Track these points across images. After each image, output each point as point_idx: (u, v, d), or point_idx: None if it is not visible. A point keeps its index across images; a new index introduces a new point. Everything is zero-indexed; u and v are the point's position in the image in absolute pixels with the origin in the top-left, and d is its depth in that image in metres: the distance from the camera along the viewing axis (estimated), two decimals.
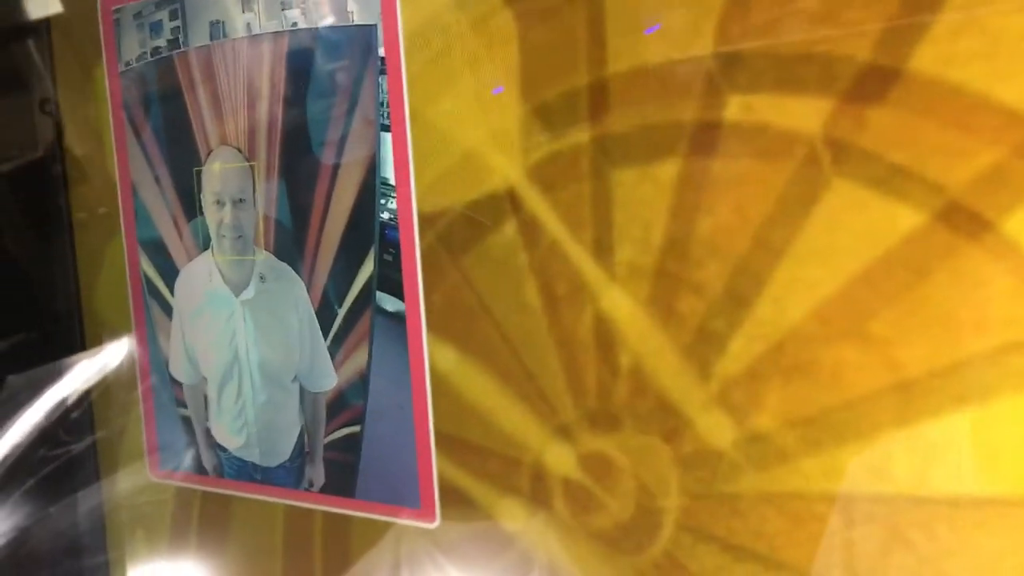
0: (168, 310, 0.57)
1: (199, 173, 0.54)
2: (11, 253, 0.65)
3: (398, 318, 0.47)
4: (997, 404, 0.32)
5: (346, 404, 0.49)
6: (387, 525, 0.49)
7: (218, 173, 0.53)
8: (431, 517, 0.47)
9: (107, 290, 0.62)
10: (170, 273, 0.57)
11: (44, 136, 0.63)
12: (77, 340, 0.64)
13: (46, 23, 0.63)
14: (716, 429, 0.38)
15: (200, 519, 0.59)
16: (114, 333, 0.62)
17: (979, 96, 0.31)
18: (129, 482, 0.63)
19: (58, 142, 0.63)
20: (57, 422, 0.63)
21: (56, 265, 0.64)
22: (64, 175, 0.63)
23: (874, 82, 0.33)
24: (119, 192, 0.59)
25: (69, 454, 0.64)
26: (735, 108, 0.36)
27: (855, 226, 0.34)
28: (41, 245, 0.65)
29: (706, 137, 0.37)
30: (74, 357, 0.64)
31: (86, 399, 0.64)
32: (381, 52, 0.45)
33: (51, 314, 0.64)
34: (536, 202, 0.41)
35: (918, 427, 0.34)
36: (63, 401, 0.63)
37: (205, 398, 0.56)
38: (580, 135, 0.40)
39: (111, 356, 0.63)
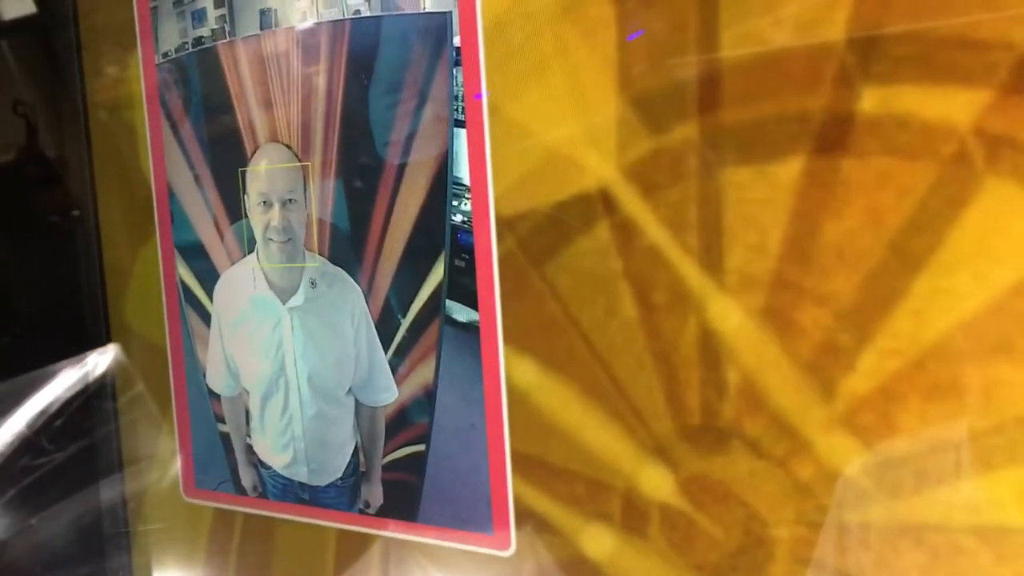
0: (207, 318, 0.54)
1: (243, 173, 0.50)
2: (17, 259, 0.61)
3: (471, 329, 0.43)
4: None
5: (409, 421, 0.46)
6: (454, 551, 0.45)
7: (264, 172, 0.49)
8: (505, 544, 0.43)
9: (138, 297, 0.58)
10: (210, 279, 0.53)
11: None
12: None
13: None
14: (840, 452, 0.35)
15: (241, 541, 0.55)
16: (145, 342, 0.58)
17: None
18: (161, 502, 0.59)
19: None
20: (58, 429, 0.59)
21: (81, 271, 0.60)
22: (92, 175, 0.60)
23: None
24: (154, 193, 0.55)
25: (94, 476, 0.60)
26: (871, 100, 0.33)
27: (1013, 231, 0.31)
28: (49, 250, 0.61)
29: (835, 132, 0.33)
30: (104, 366, 0.60)
31: (113, 409, 0.60)
32: (456, 42, 0.42)
33: (75, 321, 0.61)
34: (634, 203, 0.38)
35: None
36: (84, 408, 0.59)
37: (247, 412, 0.53)
38: (687, 130, 0.36)
39: (140, 366, 0.59)
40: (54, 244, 0.61)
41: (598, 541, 0.41)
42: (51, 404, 0.59)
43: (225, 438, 0.54)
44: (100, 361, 0.60)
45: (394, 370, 0.46)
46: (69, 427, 0.59)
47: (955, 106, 0.31)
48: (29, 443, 0.58)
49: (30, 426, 0.58)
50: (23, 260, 0.61)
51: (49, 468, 0.59)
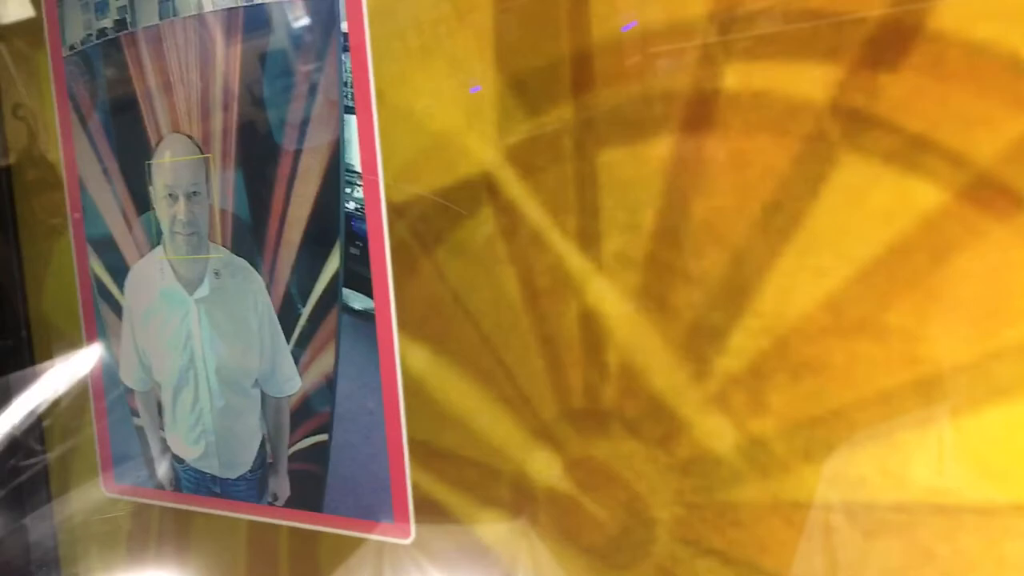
0: (119, 311, 0.53)
1: (150, 165, 0.50)
2: None
3: (367, 316, 0.43)
4: None
5: (312, 410, 0.46)
6: (359, 540, 0.45)
7: (169, 165, 0.49)
8: (405, 532, 0.43)
9: (55, 293, 0.58)
10: (121, 272, 0.53)
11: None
12: (25, 346, 0.60)
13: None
14: (715, 432, 0.35)
15: (159, 535, 0.54)
16: (64, 339, 0.58)
17: (1007, 56, 0.28)
18: (82, 497, 0.58)
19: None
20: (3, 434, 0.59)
21: (2, 269, 0.60)
22: (8, 172, 0.59)
23: (888, 44, 0.30)
24: (65, 188, 0.55)
25: (17, 466, 0.60)
26: (732, 77, 0.33)
27: (868, 206, 0.31)
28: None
29: (700, 111, 0.33)
30: (22, 365, 0.60)
31: (34, 409, 0.60)
32: (344, 27, 0.41)
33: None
34: (515, 187, 0.38)
35: (941, 428, 0.30)
36: (8, 412, 0.59)
37: (159, 405, 0.52)
38: (562, 112, 0.36)
39: (61, 363, 0.58)
40: None
41: (491, 526, 0.41)
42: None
43: (140, 432, 0.54)
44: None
45: (296, 360, 0.46)
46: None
47: (809, 81, 0.31)
48: None
49: None
50: None
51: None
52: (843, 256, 0.31)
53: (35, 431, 0.60)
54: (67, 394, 0.58)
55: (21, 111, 0.58)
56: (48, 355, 0.59)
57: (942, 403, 0.30)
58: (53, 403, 0.59)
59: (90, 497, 0.58)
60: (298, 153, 0.44)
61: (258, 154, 0.45)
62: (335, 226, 0.43)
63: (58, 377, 0.59)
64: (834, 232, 0.31)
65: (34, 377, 0.60)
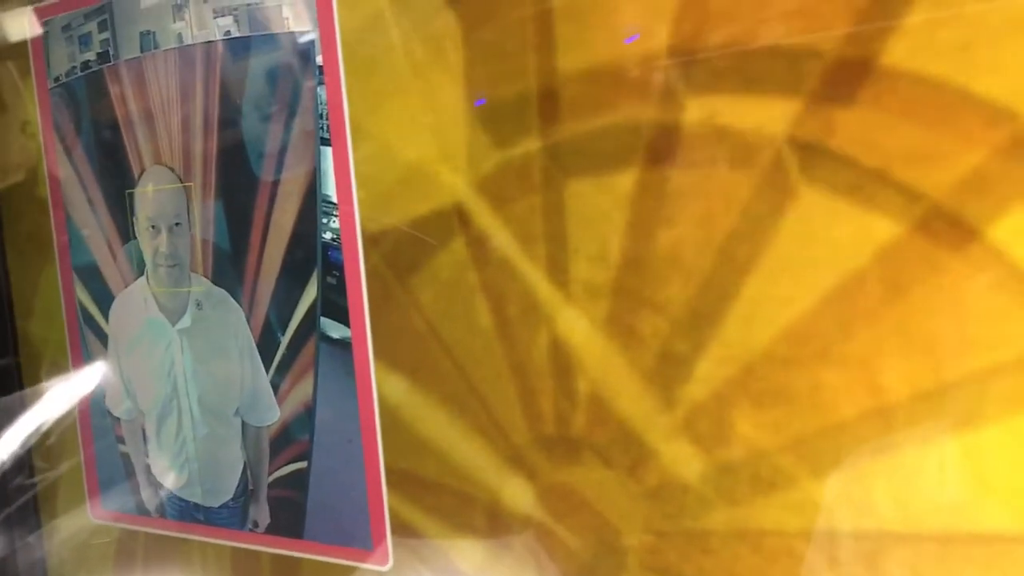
0: (105, 340, 0.54)
1: (131, 195, 0.50)
2: None
3: (344, 345, 0.43)
4: (987, 430, 0.29)
5: (291, 438, 0.46)
6: (340, 566, 0.45)
7: (151, 196, 0.50)
8: (384, 559, 0.43)
9: (43, 317, 0.58)
10: (106, 301, 0.53)
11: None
12: (14, 369, 0.60)
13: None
14: (682, 460, 0.35)
15: (145, 561, 0.55)
16: (52, 364, 0.58)
17: (958, 92, 0.29)
18: (70, 523, 0.59)
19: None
20: None
21: None
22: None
23: (843, 80, 0.30)
24: (51, 215, 0.55)
25: (5, 492, 0.60)
26: (695, 111, 0.33)
27: (827, 238, 0.31)
28: None
29: (665, 144, 0.34)
30: (11, 389, 0.60)
31: (23, 434, 0.60)
32: (319, 60, 0.42)
33: None
34: (486, 217, 0.38)
35: (902, 456, 0.31)
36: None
37: (144, 433, 0.53)
38: (531, 143, 0.37)
39: (49, 388, 0.59)
40: None
41: (468, 553, 0.41)
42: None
43: (126, 459, 0.54)
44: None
45: (276, 388, 0.46)
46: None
47: (769, 116, 0.32)
48: None
49: None
50: None
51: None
52: (803, 286, 0.32)
53: (24, 457, 0.60)
54: (56, 419, 0.59)
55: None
56: (37, 379, 0.60)
57: (901, 432, 0.31)
58: (42, 428, 0.60)
59: (78, 523, 0.58)
60: (276, 184, 0.44)
61: (237, 185, 0.46)
62: (312, 256, 0.44)
63: (47, 402, 0.59)
64: (794, 263, 0.32)
65: (23, 401, 0.60)
